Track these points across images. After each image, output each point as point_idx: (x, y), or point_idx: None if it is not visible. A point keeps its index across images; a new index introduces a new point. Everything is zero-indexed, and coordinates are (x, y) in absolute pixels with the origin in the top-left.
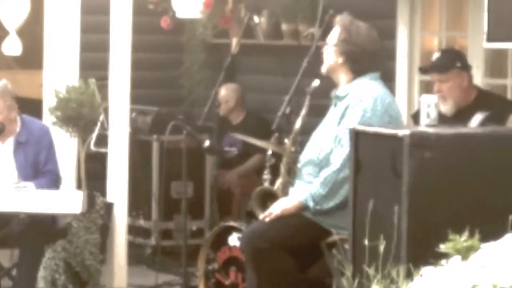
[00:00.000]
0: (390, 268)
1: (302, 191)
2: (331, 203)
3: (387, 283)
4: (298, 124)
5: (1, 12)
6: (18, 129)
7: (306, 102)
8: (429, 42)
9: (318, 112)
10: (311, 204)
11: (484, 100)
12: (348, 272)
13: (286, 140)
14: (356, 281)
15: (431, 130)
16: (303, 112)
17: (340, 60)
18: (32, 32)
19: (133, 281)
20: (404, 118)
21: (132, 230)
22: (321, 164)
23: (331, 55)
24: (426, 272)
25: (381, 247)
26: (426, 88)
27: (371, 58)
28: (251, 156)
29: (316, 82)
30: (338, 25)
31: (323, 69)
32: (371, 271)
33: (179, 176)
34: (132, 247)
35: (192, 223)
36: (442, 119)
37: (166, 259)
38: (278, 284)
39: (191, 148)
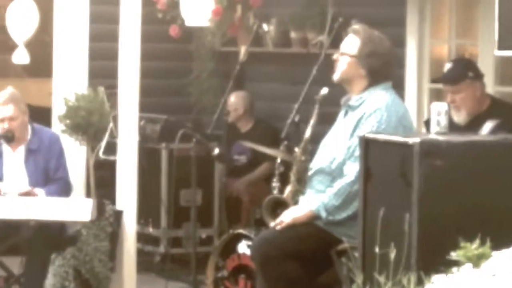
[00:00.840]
0: (401, 276)
1: (314, 201)
2: (343, 214)
3: None
4: (308, 133)
5: (9, 24)
6: (29, 137)
7: (316, 111)
8: (439, 50)
9: (327, 120)
10: (323, 214)
11: (498, 108)
12: (359, 280)
13: (296, 149)
14: None
15: (441, 137)
16: (313, 120)
17: (363, 72)
18: (41, 40)
19: None
20: (415, 124)
21: (141, 237)
22: (334, 174)
23: (349, 66)
24: (437, 280)
25: (392, 255)
26: (436, 96)
27: (389, 69)
28: (260, 164)
29: (324, 90)
30: (358, 36)
31: (336, 77)
32: (381, 279)
33: (188, 184)
34: (141, 254)
35: (201, 230)
36: (456, 128)
37: (175, 267)
38: None
39: (200, 156)
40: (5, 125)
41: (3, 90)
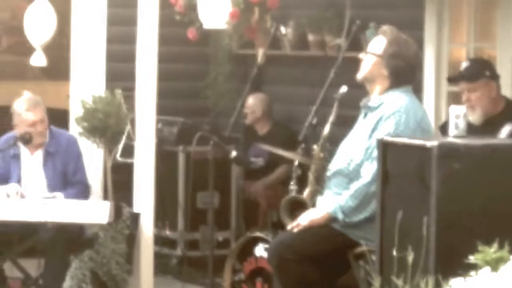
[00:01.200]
0: (418, 279)
1: (331, 203)
2: (360, 216)
3: None
4: (326, 130)
5: (27, 28)
6: (47, 140)
7: (334, 109)
8: (457, 53)
9: (346, 122)
10: (340, 216)
11: None
12: (376, 283)
13: (314, 147)
14: None
15: (459, 141)
16: (331, 118)
17: (385, 72)
18: (59, 43)
19: None
20: (433, 127)
21: (158, 240)
22: (351, 176)
23: (374, 65)
24: (455, 283)
25: (409, 258)
26: (454, 99)
27: (413, 72)
28: (277, 166)
29: (344, 89)
30: (385, 36)
31: (360, 76)
32: (399, 282)
33: (205, 186)
34: (158, 257)
35: (218, 233)
36: (470, 128)
37: (192, 270)
38: None
39: (217, 158)
40: (38, 128)
41: (22, 95)
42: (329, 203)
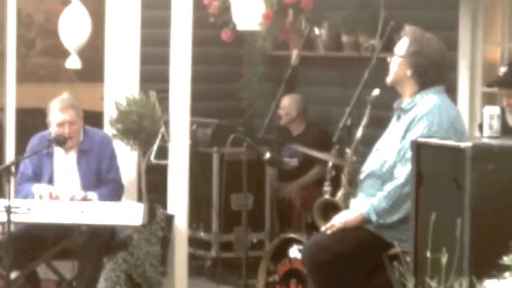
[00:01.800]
0: (452, 280)
1: (365, 204)
2: (394, 217)
3: None
4: (359, 133)
5: (62, 32)
6: (81, 139)
7: (367, 112)
8: (492, 54)
9: (379, 123)
10: (374, 218)
11: None
12: (410, 285)
13: (347, 150)
14: None
15: (493, 142)
16: (364, 121)
17: (409, 72)
18: (93, 45)
19: None
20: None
21: (193, 242)
22: (384, 177)
23: (398, 66)
24: (489, 284)
25: (443, 260)
26: (489, 99)
27: (439, 71)
28: (311, 167)
29: (376, 91)
30: (407, 36)
31: (389, 79)
32: (433, 283)
33: (239, 188)
34: (192, 259)
35: (252, 235)
36: (507, 129)
37: (226, 271)
38: None
39: (251, 160)
40: (66, 129)
41: (59, 95)
42: (362, 205)
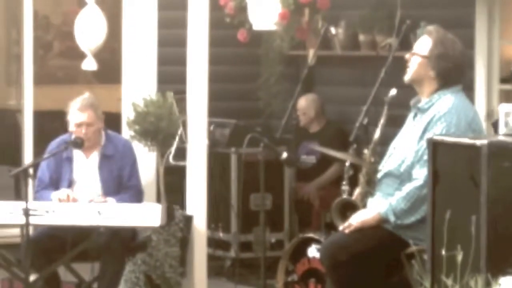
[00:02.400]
0: (468, 278)
1: (383, 204)
2: (412, 218)
3: None
4: (377, 134)
5: (78, 34)
6: (103, 143)
7: (384, 112)
8: (508, 51)
9: (396, 122)
10: (392, 218)
11: None
12: (427, 283)
13: (365, 151)
14: None
15: (509, 139)
16: (382, 121)
17: (432, 73)
18: (110, 47)
19: None
20: (484, 127)
21: (212, 242)
22: (402, 177)
23: (420, 66)
24: (505, 282)
25: (459, 258)
26: (506, 97)
27: (460, 72)
28: (329, 165)
29: (393, 91)
30: (430, 36)
31: (407, 78)
32: (449, 281)
33: (258, 188)
34: (212, 259)
35: (271, 235)
36: None
37: (245, 272)
38: None
39: (269, 160)
40: (83, 130)
41: (80, 95)
42: (380, 205)
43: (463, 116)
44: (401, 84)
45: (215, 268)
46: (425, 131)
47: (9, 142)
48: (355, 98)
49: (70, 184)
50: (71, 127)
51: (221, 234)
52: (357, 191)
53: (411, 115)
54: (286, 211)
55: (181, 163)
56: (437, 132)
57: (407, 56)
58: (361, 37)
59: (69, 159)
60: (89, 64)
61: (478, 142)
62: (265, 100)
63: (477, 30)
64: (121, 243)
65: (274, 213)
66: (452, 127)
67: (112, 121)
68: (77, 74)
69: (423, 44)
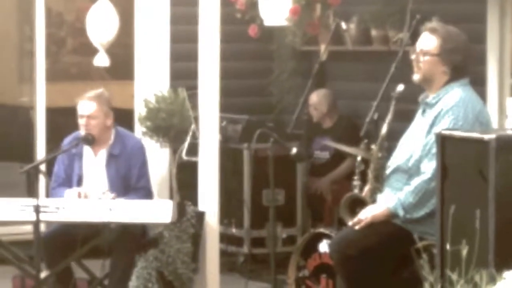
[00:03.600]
0: (473, 272)
1: (392, 199)
2: (421, 212)
3: None
4: (384, 129)
5: (89, 29)
6: (111, 141)
7: (392, 107)
8: None
9: (404, 117)
10: (401, 213)
11: None
12: (431, 278)
13: (372, 146)
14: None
15: None
16: (389, 117)
17: (445, 69)
18: (124, 43)
19: None
20: (495, 122)
21: (224, 238)
22: (410, 172)
23: (431, 64)
24: (509, 276)
25: (464, 252)
26: None
27: (469, 63)
28: (342, 160)
29: (400, 87)
30: (434, 34)
31: (417, 78)
32: (454, 276)
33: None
34: (224, 255)
35: (284, 230)
36: None
37: (258, 267)
38: None
39: (281, 155)
40: (83, 121)
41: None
42: (389, 200)
43: (470, 109)
44: (411, 79)
45: (227, 264)
46: (432, 125)
47: (22, 139)
48: (367, 93)
49: (79, 180)
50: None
51: (233, 230)
52: (367, 187)
53: (419, 111)
54: (298, 207)
55: (194, 159)
56: (444, 126)
57: (413, 56)
58: (373, 32)
59: (79, 155)
60: (101, 59)
61: (486, 136)
62: (277, 96)
63: (489, 24)
64: (131, 240)
65: (286, 209)
66: (459, 120)
67: (125, 117)
68: (90, 70)
69: (429, 42)
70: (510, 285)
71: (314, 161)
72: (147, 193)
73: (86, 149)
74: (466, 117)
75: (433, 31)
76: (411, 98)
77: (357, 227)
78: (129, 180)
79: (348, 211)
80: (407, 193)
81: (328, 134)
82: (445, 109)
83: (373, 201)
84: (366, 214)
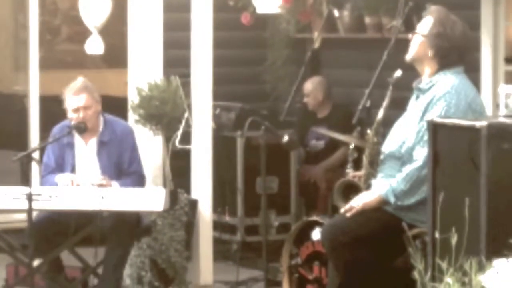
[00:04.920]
0: (463, 260)
1: (384, 186)
2: (412, 200)
3: (459, 276)
4: (380, 114)
5: (83, 11)
6: (100, 129)
7: (389, 93)
8: None
9: (399, 104)
10: (392, 199)
11: None
12: (420, 266)
13: (368, 131)
14: (429, 274)
15: (509, 121)
16: (386, 102)
17: (430, 53)
18: (119, 31)
19: (219, 277)
20: (489, 110)
21: (218, 226)
22: (403, 159)
23: (420, 45)
24: (498, 264)
25: (453, 240)
26: (511, 78)
27: (460, 54)
28: (337, 148)
29: (398, 73)
30: (432, 16)
31: (408, 57)
32: (444, 264)
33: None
34: (218, 243)
35: (278, 218)
36: None
37: (252, 255)
38: (358, 277)
39: (274, 143)
40: (80, 114)
41: (74, 81)
42: (381, 186)
43: (463, 97)
44: (405, 66)
45: (221, 252)
46: (425, 111)
47: (16, 127)
48: (360, 81)
49: (72, 170)
50: (69, 114)
51: (227, 218)
52: (361, 172)
53: (413, 97)
54: (292, 194)
55: (187, 147)
56: (437, 112)
57: (410, 36)
58: (367, 20)
59: (71, 145)
60: (95, 43)
61: (478, 123)
62: (271, 84)
63: (483, 11)
64: (126, 227)
65: (280, 196)
66: (452, 107)
67: (120, 105)
68: (85, 58)
69: (425, 24)
70: (499, 274)
71: (309, 150)
72: (139, 178)
73: (77, 139)
74: (458, 104)
75: (431, 13)
76: (405, 85)
77: (348, 214)
78: (121, 166)
79: (341, 197)
80: (399, 180)
81: (324, 123)
82: (437, 96)
83: (368, 186)
84: (358, 202)
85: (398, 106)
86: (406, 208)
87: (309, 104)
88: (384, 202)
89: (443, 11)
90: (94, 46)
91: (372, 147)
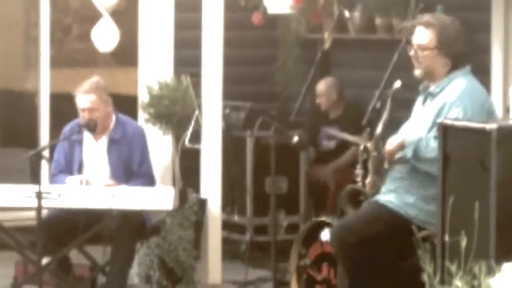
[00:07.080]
0: (472, 264)
1: (413, 136)
2: (424, 167)
3: (468, 279)
4: (379, 129)
5: None
6: (112, 127)
7: (388, 106)
8: None
9: (404, 106)
10: (409, 152)
11: None
12: (430, 269)
13: (368, 144)
14: (438, 276)
15: None
16: (384, 117)
17: (446, 60)
18: (130, 29)
19: (228, 276)
20: (500, 112)
21: (227, 226)
22: (412, 163)
23: (432, 59)
24: (508, 268)
25: (463, 243)
26: None
27: (468, 49)
28: (347, 149)
29: (397, 84)
30: (429, 28)
31: (419, 73)
32: (453, 267)
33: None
34: (227, 243)
35: (287, 218)
36: None
37: (261, 255)
38: (367, 278)
39: (284, 143)
40: (86, 114)
41: (88, 79)
42: (411, 137)
43: (475, 99)
44: (413, 67)
45: (230, 252)
46: (438, 116)
47: (27, 125)
48: (370, 82)
49: (80, 167)
50: (80, 112)
51: (236, 218)
52: (368, 179)
53: (419, 100)
54: (301, 194)
55: (197, 146)
56: (453, 117)
57: (412, 52)
58: (378, 21)
59: (80, 142)
60: (105, 25)
61: (488, 126)
62: (282, 83)
63: (493, 13)
64: (132, 227)
65: (289, 196)
66: (468, 110)
67: (130, 104)
68: (95, 57)
69: (425, 36)
70: (508, 277)
71: (321, 150)
72: (149, 179)
73: (87, 136)
74: (473, 107)
75: (427, 24)
76: (413, 88)
77: (386, 165)
78: (130, 166)
79: (349, 202)
80: (428, 144)
81: (336, 124)
82: (450, 101)
83: (375, 193)
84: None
85: (404, 108)
86: (411, 206)
87: (322, 104)
88: (402, 148)
89: (434, 17)
90: (104, 28)
91: (374, 159)
